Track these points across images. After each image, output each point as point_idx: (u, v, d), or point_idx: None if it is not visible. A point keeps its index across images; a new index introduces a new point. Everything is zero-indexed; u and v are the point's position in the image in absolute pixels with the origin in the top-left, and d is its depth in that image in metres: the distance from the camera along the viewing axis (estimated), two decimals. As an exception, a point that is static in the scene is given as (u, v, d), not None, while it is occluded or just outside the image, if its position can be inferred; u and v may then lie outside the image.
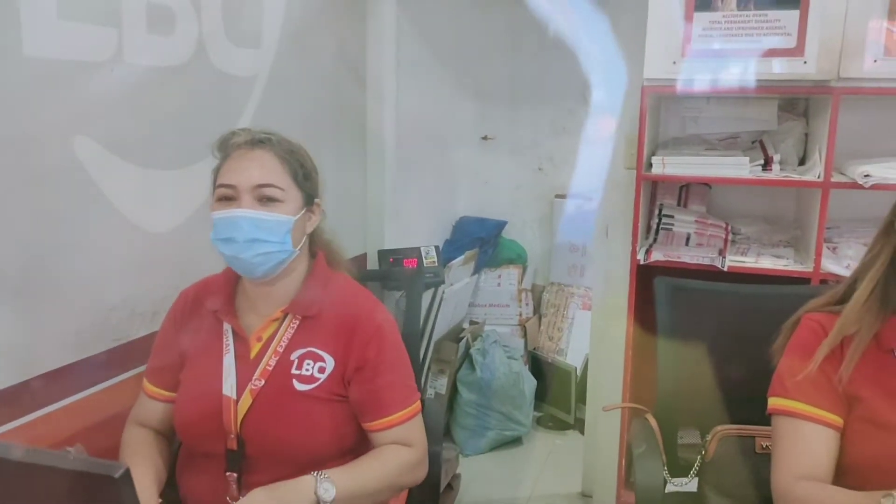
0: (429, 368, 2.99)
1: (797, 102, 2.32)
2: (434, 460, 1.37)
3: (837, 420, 1.16)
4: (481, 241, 3.29)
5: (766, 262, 2.07)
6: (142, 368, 1.43)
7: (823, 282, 1.98)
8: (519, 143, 3.46)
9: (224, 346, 1.30)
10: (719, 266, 2.05)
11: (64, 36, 1.39)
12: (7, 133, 1.31)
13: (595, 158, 2.55)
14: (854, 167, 1.99)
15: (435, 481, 1.42)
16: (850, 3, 1.87)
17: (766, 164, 2.12)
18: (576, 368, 3.21)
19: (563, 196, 3.44)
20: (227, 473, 1.25)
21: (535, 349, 3.43)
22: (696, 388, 1.64)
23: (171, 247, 1.69)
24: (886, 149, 2.10)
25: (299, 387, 1.25)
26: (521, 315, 3.44)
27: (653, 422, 1.56)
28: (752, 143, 2.29)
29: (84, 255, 1.48)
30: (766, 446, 1.46)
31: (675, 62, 2.00)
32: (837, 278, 1.96)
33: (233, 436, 1.25)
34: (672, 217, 2.32)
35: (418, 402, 1.33)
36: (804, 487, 1.11)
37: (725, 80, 1.98)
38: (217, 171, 1.30)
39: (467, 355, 3.08)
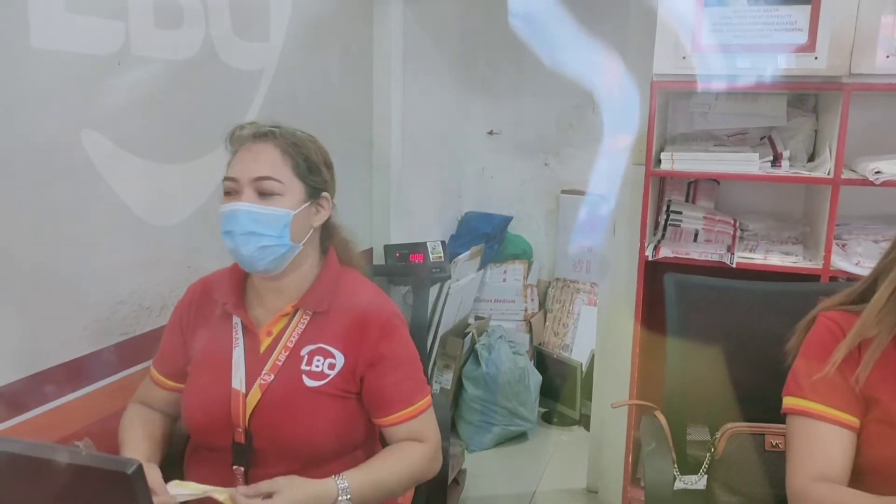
0: (434, 363, 2.98)
1: (806, 98, 2.30)
2: (441, 455, 1.37)
3: (854, 421, 1.15)
4: (487, 236, 3.28)
5: (775, 259, 2.06)
6: (149, 363, 1.43)
7: (833, 279, 1.97)
8: (525, 138, 3.45)
9: (233, 339, 1.30)
10: (728, 263, 2.04)
11: (71, 29, 1.38)
12: (16, 126, 1.30)
13: (603, 154, 2.54)
14: (864, 164, 1.98)
15: (442, 476, 1.42)
16: (863, -1, 1.86)
17: (776, 161, 2.11)
18: (581, 364, 3.20)
19: (569, 192, 3.43)
20: (234, 467, 1.25)
21: (540, 345, 3.42)
22: (705, 384, 1.64)
23: (179, 241, 1.69)
24: (897, 145, 2.09)
25: (309, 382, 1.25)
26: (526, 310, 3.44)
27: (662, 419, 1.55)
28: (761, 139, 2.27)
29: (92, 249, 1.48)
30: (777, 444, 1.46)
31: (684, 57, 1.99)
32: (848, 275, 1.95)
33: (240, 429, 1.24)
34: (680, 213, 2.31)
35: (429, 396, 1.33)
36: (820, 490, 1.10)
37: (735, 76, 1.97)
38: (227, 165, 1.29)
39: (473, 351, 3.07)
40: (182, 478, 1.29)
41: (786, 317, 1.31)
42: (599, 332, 2.64)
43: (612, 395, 2.42)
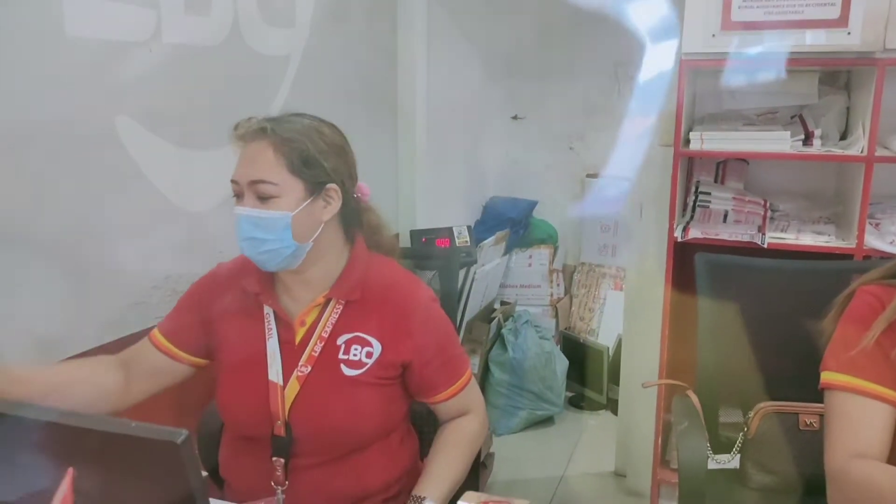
0: (461, 348, 2.99)
1: (838, 75, 2.26)
2: (488, 418, 1.41)
3: (894, 396, 1.13)
4: (512, 221, 3.28)
5: (808, 239, 2.04)
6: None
7: (867, 258, 1.94)
8: (549, 122, 3.43)
9: (266, 329, 1.28)
10: (759, 243, 2.02)
11: (104, 16, 1.40)
12: (53, 113, 1.33)
13: (629, 136, 2.52)
14: (899, 141, 1.94)
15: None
16: (898, -29, 1.82)
17: (807, 139, 2.07)
18: (608, 348, 3.20)
19: (594, 175, 3.41)
20: (274, 459, 1.25)
21: (566, 329, 3.42)
22: (737, 364, 1.62)
23: (210, 227, 1.70)
24: (932, 122, 2.05)
25: (347, 372, 1.25)
26: (552, 295, 3.43)
27: (694, 398, 1.54)
28: (792, 117, 2.24)
29: (127, 234, 1.50)
30: (811, 423, 1.45)
31: (714, 35, 1.96)
32: (882, 254, 1.92)
33: (280, 422, 1.24)
34: (709, 194, 2.28)
35: (470, 368, 1.35)
36: (861, 467, 1.07)
37: (766, 54, 1.94)
38: None
39: (499, 335, 3.08)
40: (215, 464, 1.30)
41: (818, 296, 1.29)
42: (627, 314, 2.63)
43: (640, 378, 2.40)
